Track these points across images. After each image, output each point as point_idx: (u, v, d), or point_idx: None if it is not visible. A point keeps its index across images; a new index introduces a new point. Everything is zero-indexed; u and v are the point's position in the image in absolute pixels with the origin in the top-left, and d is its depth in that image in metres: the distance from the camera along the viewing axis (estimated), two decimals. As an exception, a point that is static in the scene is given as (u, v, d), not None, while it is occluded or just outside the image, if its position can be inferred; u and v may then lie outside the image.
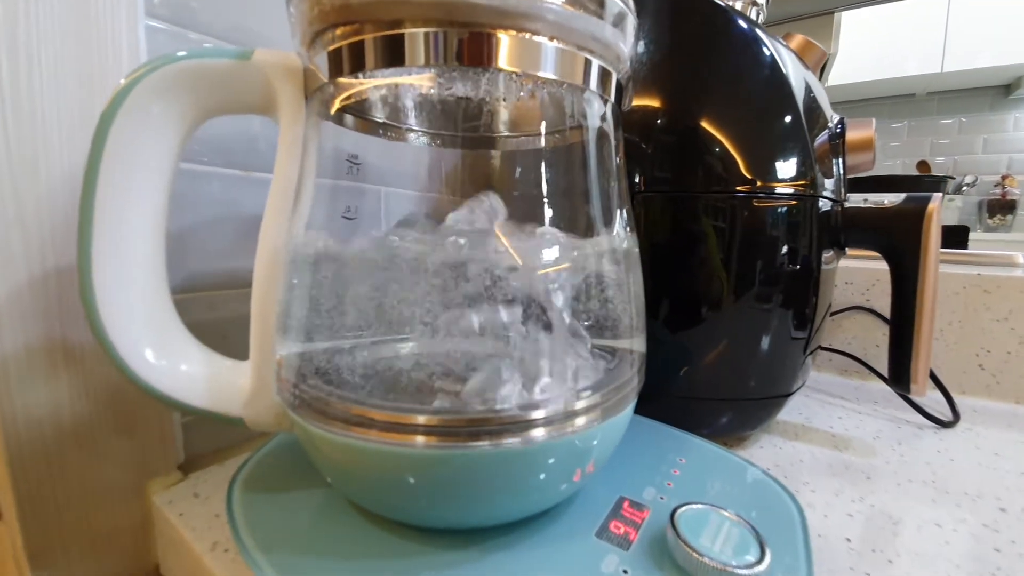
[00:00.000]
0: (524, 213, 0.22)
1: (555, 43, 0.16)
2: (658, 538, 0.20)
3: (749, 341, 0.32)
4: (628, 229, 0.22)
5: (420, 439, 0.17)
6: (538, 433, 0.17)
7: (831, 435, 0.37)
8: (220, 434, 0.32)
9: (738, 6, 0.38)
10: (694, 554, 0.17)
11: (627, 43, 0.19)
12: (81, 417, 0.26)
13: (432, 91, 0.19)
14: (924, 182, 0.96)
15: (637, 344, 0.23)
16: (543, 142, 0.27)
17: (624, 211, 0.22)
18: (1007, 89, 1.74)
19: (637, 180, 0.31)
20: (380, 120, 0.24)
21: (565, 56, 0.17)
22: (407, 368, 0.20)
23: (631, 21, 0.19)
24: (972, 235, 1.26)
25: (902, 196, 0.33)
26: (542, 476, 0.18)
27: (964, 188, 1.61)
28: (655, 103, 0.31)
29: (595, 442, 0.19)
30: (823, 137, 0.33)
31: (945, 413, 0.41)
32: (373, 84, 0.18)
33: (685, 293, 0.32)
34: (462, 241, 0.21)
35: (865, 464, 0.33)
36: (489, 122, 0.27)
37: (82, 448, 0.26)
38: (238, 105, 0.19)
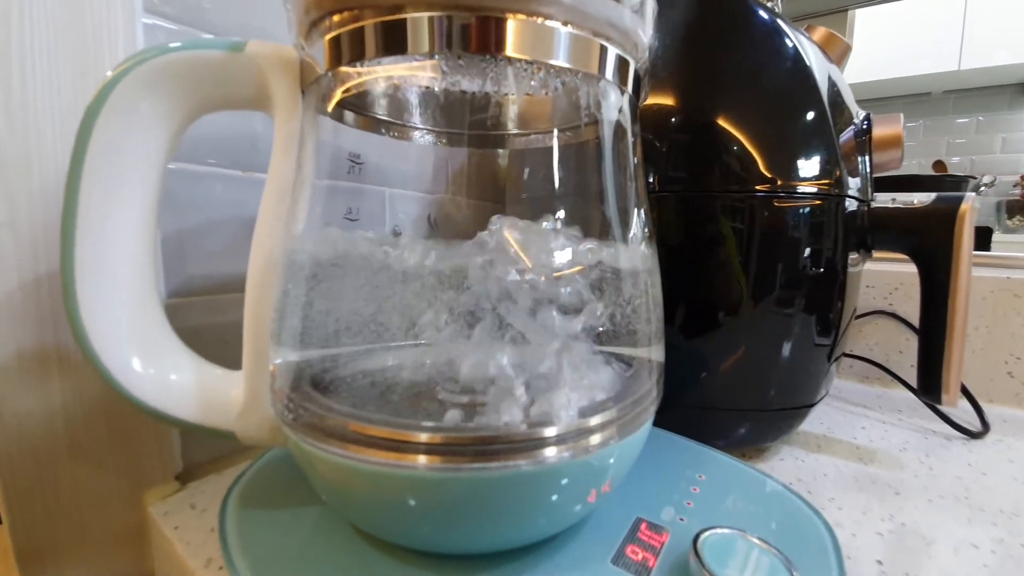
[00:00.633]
0: (536, 214, 0.21)
1: (569, 28, 0.15)
2: (680, 565, 0.18)
3: (770, 348, 0.30)
4: (646, 230, 0.21)
5: (422, 459, 0.15)
6: (551, 452, 0.16)
7: (855, 447, 0.35)
8: (219, 443, 0.31)
9: None
10: (721, 585, 0.16)
11: (647, 30, 0.18)
12: (74, 423, 0.25)
13: (436, 83, 0.18)
14: (945, 182, 0.93)
15: (656, 353, 0.21)
16: (555, 139, 0.26)
17: (642, 211, 0.21)
18: (1026, 87, 1.70)
19: (651, 180, 0.30)
20: (382, 117, 0.23)
21: (580, 43, 0.15)
22: (409, 380, 0.18)
23: (651, 6, 0.17)
24: (993, 237, 1.23)
25: (932, 196, 0.31)
26: (555, 498, 0.17)
27: (982, 189, 1.57)
28: (670, 97, 0.30)
29: (612, 460, 0.18)
30: (848, 133, 0.31)
31: (973, 423, 0.39)
32: (372, 75, 0.16)
33: (701, 297, 0.30)
34: (470, 244, 0.19)
35: (893, 478, 0.31)
36: (498, 118, 0.25)
37: (75, 455, 0.25)
38: (231, 100, 0.18)
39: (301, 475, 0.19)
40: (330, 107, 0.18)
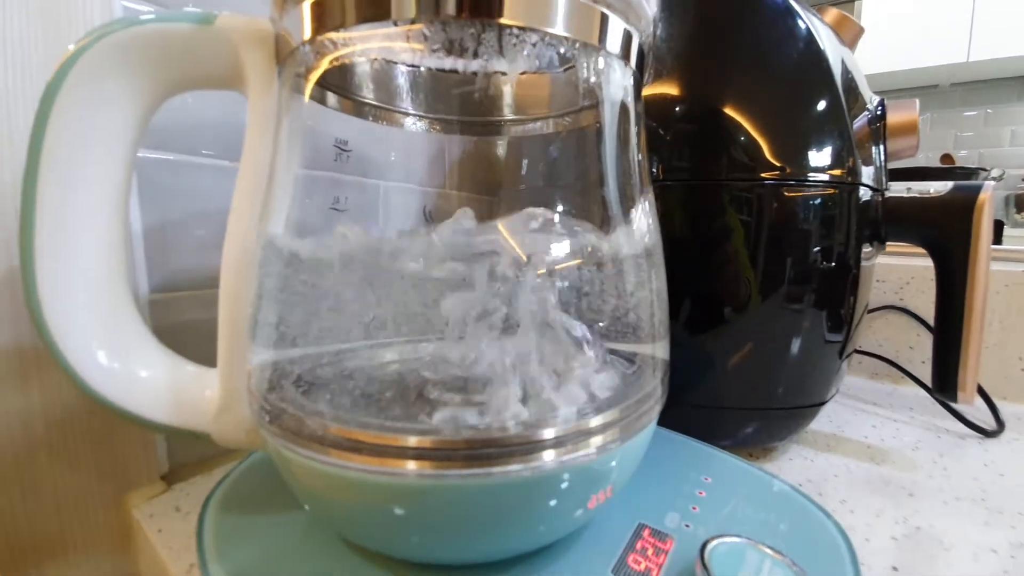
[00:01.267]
0: (533, 202, 0.19)
1: (567, -7, 0.14)
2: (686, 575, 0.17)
3: (779, 345, 0.29)
4: (651, 220, 0.19)
5: (410, 465, 0.14)
6: (549, 456, 0.15)
7: (866, 446, 0.34)
8: (207, 444, 0.30)
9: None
10: (731, 600, 0.15)
11: (651, 2, 0.16)
12: (54, 423, 0.24)
13: (422, 59, 0.16)
14: (955, 174, 0.92)
15: (660, 350, 0.20)
16: (553, 125, 0.25)
17: (646, 200, 0.19)
18: (1036, 79, 1.66)
19: (655, 169, 0.29)
20: (367, 100, 0.21)
21: (579, 9, 0.14)
22: (395, 379, 0.17)
23: (656, -25, 0.16)
24: (1004, 231, 1.21)
25: (949, 185, 0.30)
26: (552, 505, 0.16)
27: (991, 182, 1.54)
28: (675, 80, 0.28)
29: (614, 464, 0.17)
30: (862, 120, 0.30)
31: (988, 421, 0.38)
32: (352, 47, 0.15)
33: (708, 291, 0.29)
34: (460, 237, 0.18)
35: (906, 479, 0.30)
36: (493, 103, 0.24)
37: (55, 456, 0.24)
38: (202, 78, 0.17)
39: (285, 479, 0.18)
40: (309, 85, 0.17)
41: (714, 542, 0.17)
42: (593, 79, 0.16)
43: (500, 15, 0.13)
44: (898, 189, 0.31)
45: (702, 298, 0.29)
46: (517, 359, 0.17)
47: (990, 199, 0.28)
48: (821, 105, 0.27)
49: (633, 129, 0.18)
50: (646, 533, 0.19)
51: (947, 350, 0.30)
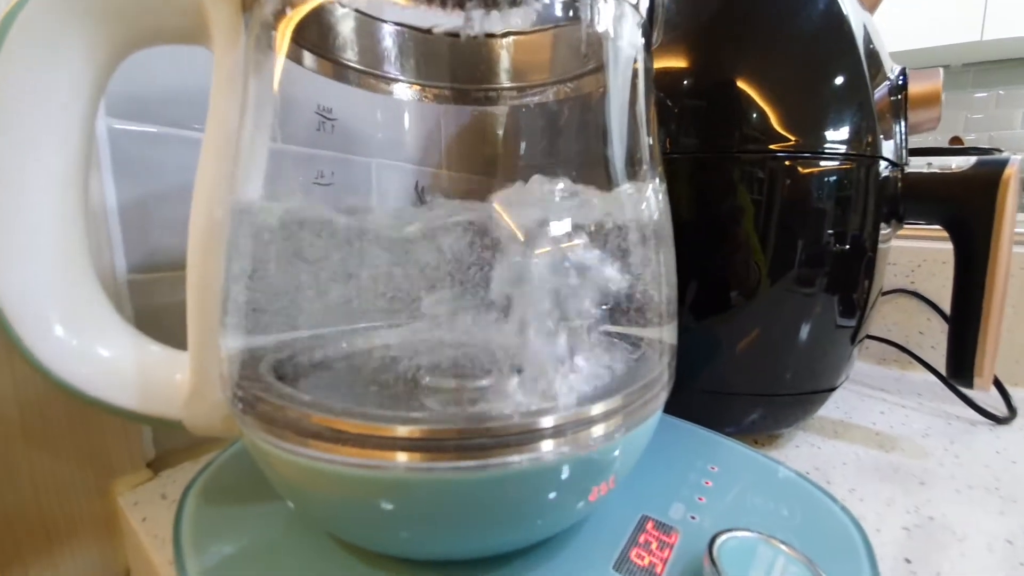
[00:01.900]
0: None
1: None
2: (692, 571, 0.16)
3: (789, 329, 0.28)
4: (660, 194, 0.18)
5: (400, 457, 0.13)
6: (547, 447, 0.14)
7: (875, 433, 0.33)
8: (194, 428, 0.29)
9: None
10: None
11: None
12: (29, 408, 0.23)
13: (402, 9, 0.15)
14: (970, 154, 0.89)
15: (667, 334, 0.19)
16: (554, 94, 0.23)
17: (655, 174, 0.18)
18: (1050, 60, 1.62)
19: (660, 142, 0.27)
20: (351, 63, 0.19)
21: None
22: (381, 365, 0.16)
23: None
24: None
25: (972, 159, 0.28)
26: (551, 496, 0.15)
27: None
28: (683, 44, 0.26)
29: (617, 453, 0.16)
30: (883, 90, 0.28)
31: (999, 407, 0.37)
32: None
33: (715, 273, 0.28)
34: (450, 211, 0.17)
35: (917, 467, 0.29)
36: (488, 66, 0.22)
37: (31, 443, 0.23)
38: (161, 31, 0.15)
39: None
40: (281, 38, 0.15)
41: (723, 536, 0.16)
42: (600, 27, 0.14)
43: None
44: (918, 165, 0.29)
45: (709, 280, 0.28)
46: (514, 344, 0.16)
47: (1016, 174, 0.27)
48: (842, 72, 0.25)
49: (642, 93, 0.17)
50: (650, 526, 0.18)
51: (964, 334, 0.29)
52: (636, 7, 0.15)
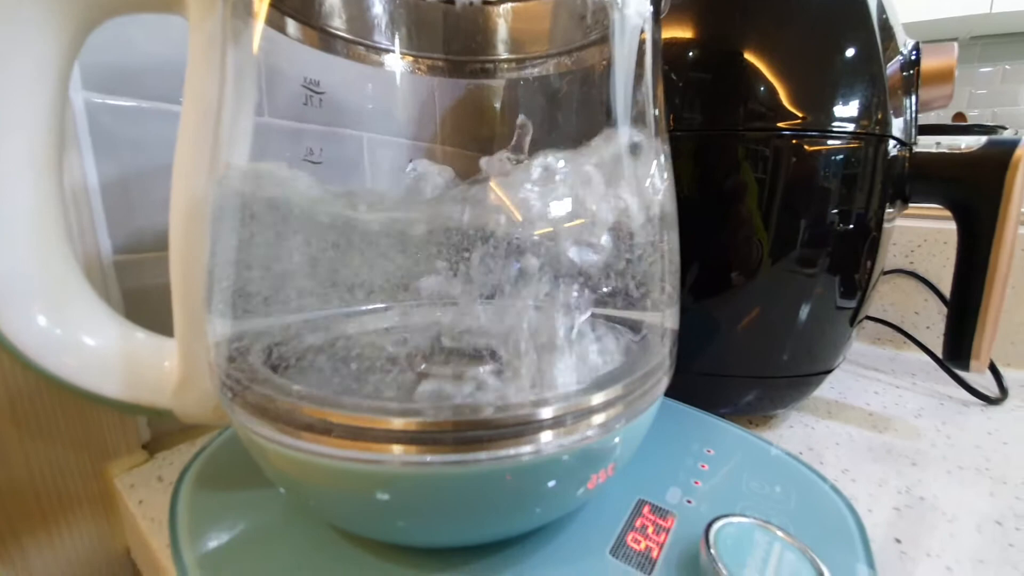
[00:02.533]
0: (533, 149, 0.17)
1: None
2: (688, 556, 0.16)
3: (788, 310, 0.27)
4: (666, 175, 0.17)
5: (396, 450, 0.13)
6: (546, 438, 0.13)
7: (868, 413, 0.33)
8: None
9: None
10: (738, 586, 0.14)
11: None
12: (18, 392, 0.23)
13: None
14: (973, 132, 0.88)
15: (669, 319, 0.18)
16: (555, 66, 0.22)
17: (662, 152, 0.17)
18: (1059, 32, 1.58)
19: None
20: (338, 32, 0.18)
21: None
22: (375, 353, 0.15)
23: None
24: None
25: (983, 139, 0.27)
26: (549, 486, 0.15)
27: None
28: (687, 16, 0.25)
29: (617, 441, 0.16)
30: (895, 65, 0.27)
31: (991, 388, 0.38)
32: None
33: (717, 253, 0.27)
34: (450, 190, 0.16)
35: (909, 447, 0.29)
36: (484, 36, 0.21)
37: (22, 427, 0.23)
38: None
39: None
40: (260, 2, 0.14)
41: (720, 522, 0.16)
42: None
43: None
44: (926, 144, 0.28)
45: (711, 260, 0.27)
46: (512, 329, 0.16)
47: (1026, 156, 0.26)
48: (854, 45, 0.24)
49: (649, 66, 0.16)
50: (646, 510, 0.18)
51: (963, 317, 0.29)
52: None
